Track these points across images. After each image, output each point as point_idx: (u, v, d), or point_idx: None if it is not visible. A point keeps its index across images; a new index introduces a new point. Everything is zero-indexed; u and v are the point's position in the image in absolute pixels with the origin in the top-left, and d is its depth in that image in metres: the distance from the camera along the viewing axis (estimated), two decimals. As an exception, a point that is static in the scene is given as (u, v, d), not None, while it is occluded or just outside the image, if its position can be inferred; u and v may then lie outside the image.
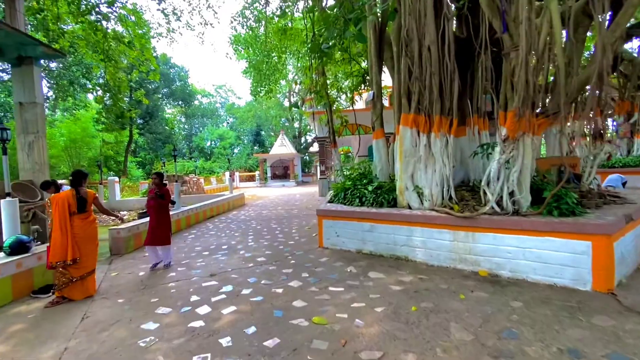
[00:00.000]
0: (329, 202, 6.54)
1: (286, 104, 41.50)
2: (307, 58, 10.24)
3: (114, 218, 4.55)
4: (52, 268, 3.71)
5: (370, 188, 5.74)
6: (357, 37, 5.77)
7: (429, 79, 4.65)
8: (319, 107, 11.13)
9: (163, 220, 5.04)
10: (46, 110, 30.72)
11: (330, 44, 6.08)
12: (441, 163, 4.72)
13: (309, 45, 7.95)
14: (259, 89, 15.52)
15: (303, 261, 4.91)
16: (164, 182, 5.24)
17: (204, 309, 3.31)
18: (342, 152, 33.38)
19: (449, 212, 4.27)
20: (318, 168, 45.94)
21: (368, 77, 8.67)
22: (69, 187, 4.11)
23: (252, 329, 2.82)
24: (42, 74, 8.37)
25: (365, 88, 9.11)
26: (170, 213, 7.99)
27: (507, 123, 3.92)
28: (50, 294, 3.87)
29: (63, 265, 3.68)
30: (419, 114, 4.79)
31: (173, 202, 5.65)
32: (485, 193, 4.14)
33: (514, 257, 3.74)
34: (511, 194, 3.98)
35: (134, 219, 8.14)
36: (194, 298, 3.65)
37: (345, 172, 8.54)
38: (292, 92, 39.94)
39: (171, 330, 2.89)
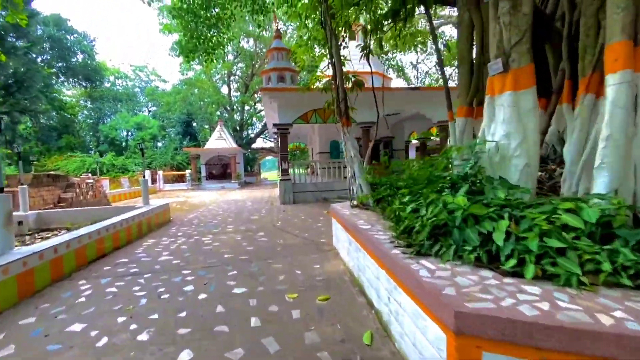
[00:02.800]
0: (408, 254, 2.47)
1: (224, 90, 35.46)
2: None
3: None
4: None
5: None
6: None
7: None
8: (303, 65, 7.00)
9: None
10: None
11: None
12: None
13: None
14: (194, 49, 10.36)
15: None
16: None
17: None
18: (293, 149, 28.91)
19: None
20: (261, 167, 40.73)
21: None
22: None
23: None
24: None
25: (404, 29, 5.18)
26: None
27: None
28: None
29: None
30: None
31: None
32: None
33: None
34: None
35: None
36: None
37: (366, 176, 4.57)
38: (231, 75, 34.21)
39: None
